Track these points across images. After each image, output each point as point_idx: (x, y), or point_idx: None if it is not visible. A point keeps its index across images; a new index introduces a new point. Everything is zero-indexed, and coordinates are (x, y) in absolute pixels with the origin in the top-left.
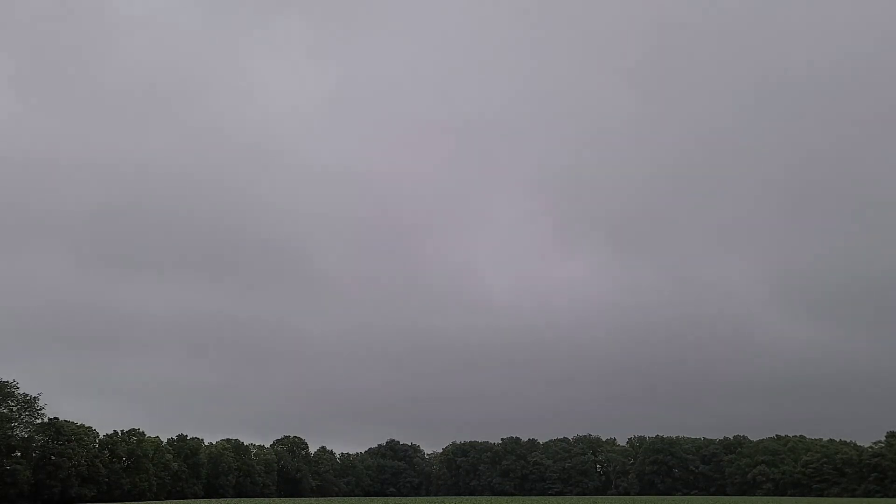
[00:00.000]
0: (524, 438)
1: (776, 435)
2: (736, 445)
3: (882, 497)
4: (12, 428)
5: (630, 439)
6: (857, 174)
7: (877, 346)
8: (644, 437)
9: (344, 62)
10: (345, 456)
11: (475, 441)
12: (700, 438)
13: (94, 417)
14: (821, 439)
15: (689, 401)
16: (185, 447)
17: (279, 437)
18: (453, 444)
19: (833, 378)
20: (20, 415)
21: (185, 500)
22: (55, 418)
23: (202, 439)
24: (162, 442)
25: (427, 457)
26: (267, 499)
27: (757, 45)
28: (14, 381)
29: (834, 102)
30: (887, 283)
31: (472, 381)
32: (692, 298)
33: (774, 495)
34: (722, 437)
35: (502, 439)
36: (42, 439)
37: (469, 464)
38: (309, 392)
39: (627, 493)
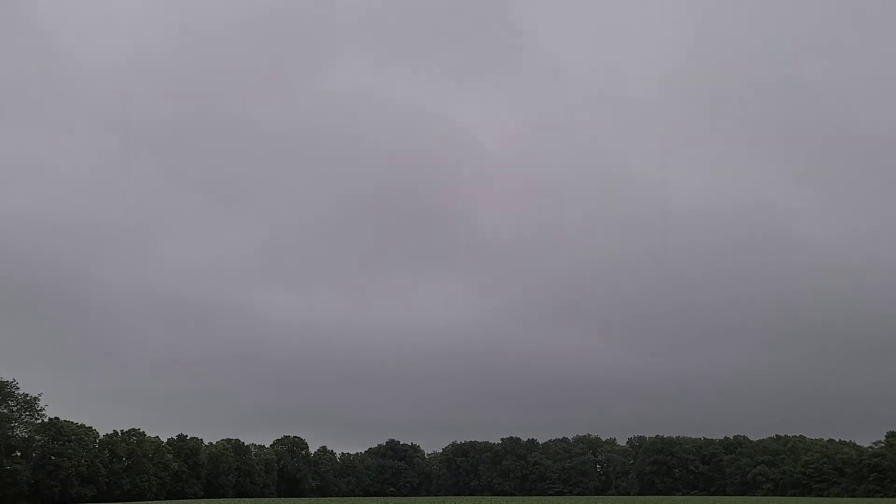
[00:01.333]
0: (524, 438)
1: (776, 435)
2: (736, 445)
3: (882, 497)
4: (12, 428)
5: (630, 439)
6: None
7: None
8: (644, 437)
9: None
10: (345, 456)
11: (475, 441)
12: (700, 438)
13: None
14: (821, 439)
15: (689, 401)
16: (185, 447)
17: (279, 437)
18: (453, 444)
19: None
20: (20, 415)
21: (185, 500)
22: (55, 418)
23: (202, 439)
24: (162, 442)
25: (427, 457)
26: (267, 499)
27: None
28: (14, 380)
29: None
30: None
31: (474, 381)
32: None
33: (774, 495)
34: (722, 437)
35: (502, 439)
36: (42, 439)
37: (469, 464)
38: (309, 392)
39: (627, 493)
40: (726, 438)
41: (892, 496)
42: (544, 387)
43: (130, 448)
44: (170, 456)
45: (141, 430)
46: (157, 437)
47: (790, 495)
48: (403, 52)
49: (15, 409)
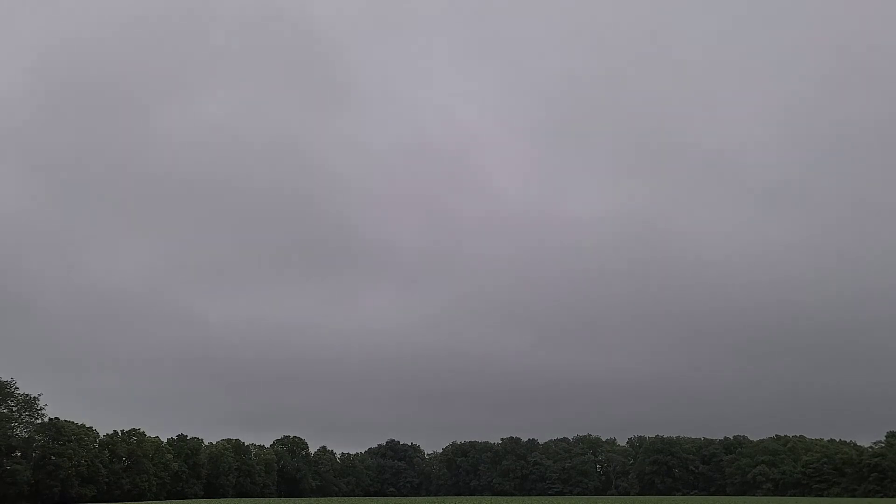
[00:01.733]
0: (524, 438)
1: (776, 435)
2: (736, 445)
3: (882, 497)
4: (12, 428)
5: (630, 439)
6: None
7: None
8: (644, 437)
9: None
10: (345, 456)
11: (475, 441)
12: (700, 438)
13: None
14: (821, 439)
15: (689, 401)
16: (185, 447)
17: (279, 437)
18: (453, 444)
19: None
20: (20, 415)
21: (185, 500)
22: (55, 418)
23: (202, 439)
24: (162, 442)
25: (427, 457)
26: (267, 499)
27: None
28: (14, 380)
29: None
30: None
31: (474, 382)
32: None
33: (774, 495)
34: (722, 437)
35: (502, 439)
36: (42, 439)
37: (469, 464)
38: (309, 392)
39: (627, 493)
40: (726, 438)
41: (892, 496)
42: (544, 387)
43: (130, 448)
44: (170, 456)
45: (141, 430)
46: (157, 437)
47: (790, 495)
48: (273, 85)
49: (15, 409)
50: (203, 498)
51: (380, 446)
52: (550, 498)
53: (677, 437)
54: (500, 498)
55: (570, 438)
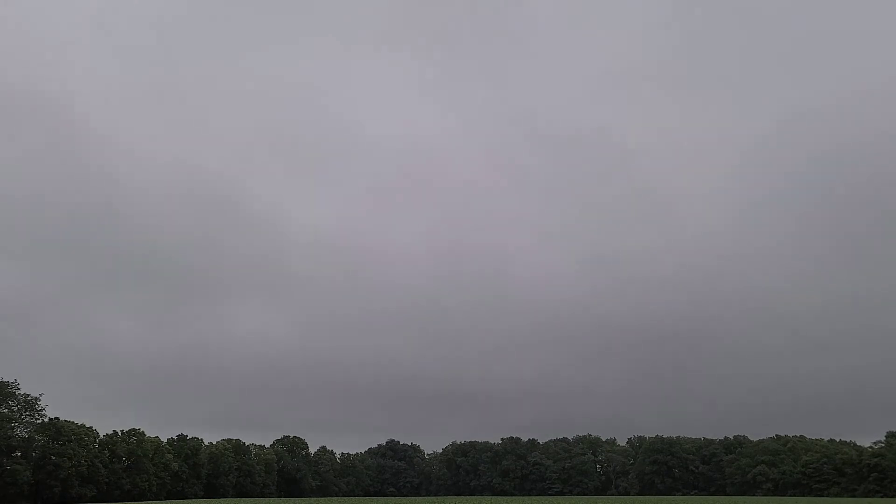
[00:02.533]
0: (524, 438)
1: (776, 435)
2: (736, 445)
3: (882, 497)
4: (12, 428)
5: (630, 439)
6: None
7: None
8: (644, 437)
9: None
10: (345, 456)
11: (475, 441)
12: (700, 438)
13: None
14: (821, 439)
15: (689, 401)
16: (185, 447)
17: (279, 437)
18: (453, 444)
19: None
20: (20, 415)
21: (185, 500)
22: (56, 418)
23: (202, 439)
24: (162, 442)
25: (427, 457)
26: (267, 499)
27: None
28: (15, 381)
29: None
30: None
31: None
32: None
33: (774, 495)
34: (722, 437)
35: (502, 439)
36: (42, 439)
37: (469, 464)
38: (309, 392)
39: (627, 493)
40: (726, 438)
41: (892, 496)
42: (544, 387)
43: (130, 448)
44: (170, 456)
45: (141, 430)
46: (157, 437)
47: (790, 495)
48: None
49: (15, 409)
50: (203, 498)
51: (380, 446)
52: (550, 498)
53: (677, 437)
54: (500, 498)
55: (569, 438)
